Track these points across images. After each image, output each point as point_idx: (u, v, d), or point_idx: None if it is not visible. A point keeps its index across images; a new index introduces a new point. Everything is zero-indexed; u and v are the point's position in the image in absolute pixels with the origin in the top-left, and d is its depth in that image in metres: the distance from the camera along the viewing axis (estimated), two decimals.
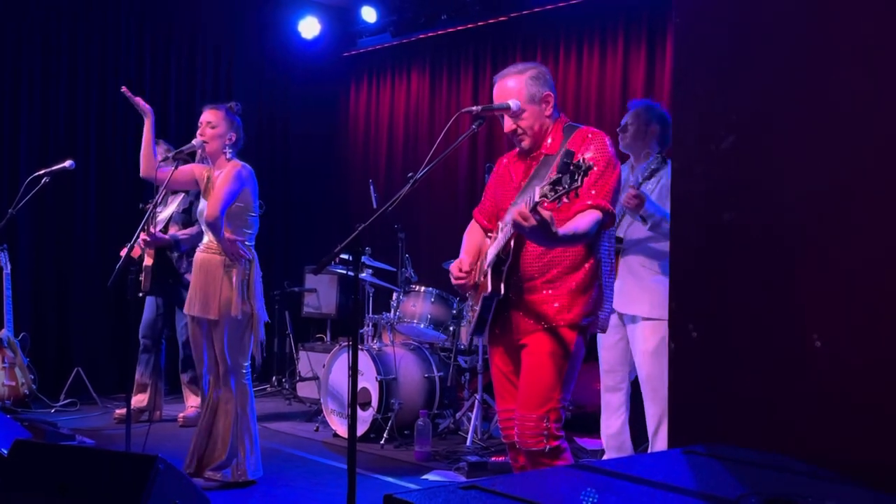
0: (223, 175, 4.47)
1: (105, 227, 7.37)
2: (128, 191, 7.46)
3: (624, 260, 4.35)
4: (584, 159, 2.63)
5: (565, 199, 2.70)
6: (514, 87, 3.25)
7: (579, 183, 2.62)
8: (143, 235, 5.72)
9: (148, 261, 6.03)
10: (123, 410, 6.18)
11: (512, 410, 3.26)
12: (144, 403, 6.26)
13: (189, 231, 5.96)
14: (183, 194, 6.12)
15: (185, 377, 6.37)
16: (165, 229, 6.07)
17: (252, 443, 4.60)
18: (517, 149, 3.41)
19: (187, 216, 6.06)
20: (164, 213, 6.12)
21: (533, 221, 2.76)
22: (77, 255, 7.26)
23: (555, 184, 2.65)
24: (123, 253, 6.10)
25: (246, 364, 4.56)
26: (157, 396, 6.34)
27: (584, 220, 3.02)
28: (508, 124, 3.26)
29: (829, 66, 2.06)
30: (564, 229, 2.94)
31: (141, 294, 6.18)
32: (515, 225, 2.85)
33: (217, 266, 4.47)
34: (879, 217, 1.95)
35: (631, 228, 4.32)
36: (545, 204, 2.73)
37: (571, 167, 2.61)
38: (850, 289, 1.98)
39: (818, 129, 2.08)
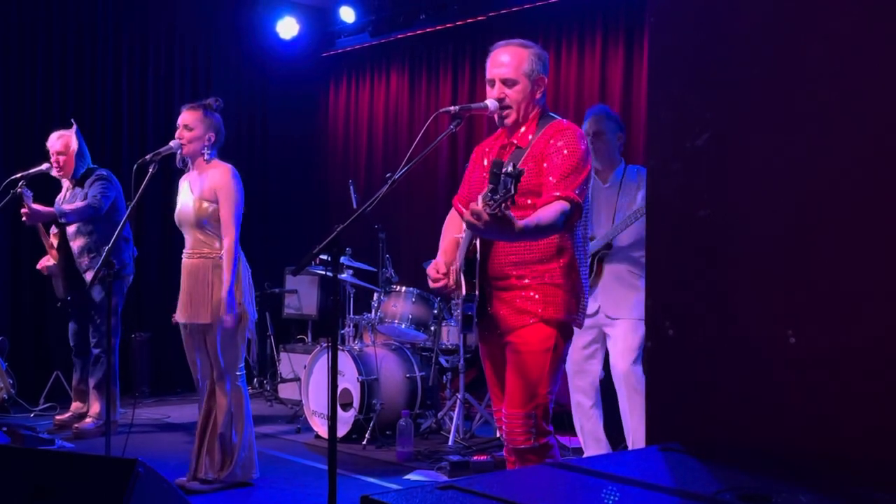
0: (220, 184, 4.43)
1: None
2: None
3: (610, 267, 4.35)
4: (513, 166, 2.61)
5: (504, 207, 2.70)
6: (513, 57, 3.20)
7: (513, 190, 2.61)
8: (24, 213, 5.58)
9: (49, 260, 5.86)
10: (63, 416, 6.12)
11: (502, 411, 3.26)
12: (84, 410, 6.07)
13: (77, 205, 5.71)
14: (79, 188, 5.86)
15: (92, 381, 5.96)
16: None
17: (249, 445, 4.59)
18: (494, 135, 3.41)
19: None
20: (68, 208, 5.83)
21: (486, 218, 2.69)
22: None
23: (491, 193, 2.66)
24: (41, 263, 6.02)
25: (240, 365, 4.54)
26: (111, 402, 6.15)
27: (547, 211, 2.99)
28: (497, 91, 3.21)
29: (802, 63, 2.08)
30: (527, 221, 2.90)
31: (59, 304, 6.08)
32: (469, 226, 2.82)
33: (205, 270, 4.44)
34: (853, 213, 1.97)
35: (620, 235, 4.33)
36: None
37: (502, 177, 2.61)
38: (825, 284, 2.00)
39: (792, 124, 2.09)
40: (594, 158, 4.42)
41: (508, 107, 3.21)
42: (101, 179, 5.85)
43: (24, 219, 5.63)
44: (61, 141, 5.83)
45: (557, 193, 3.03)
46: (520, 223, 2.82)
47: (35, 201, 5.63)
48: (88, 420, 5.90)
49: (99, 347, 5.84)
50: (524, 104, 3.21)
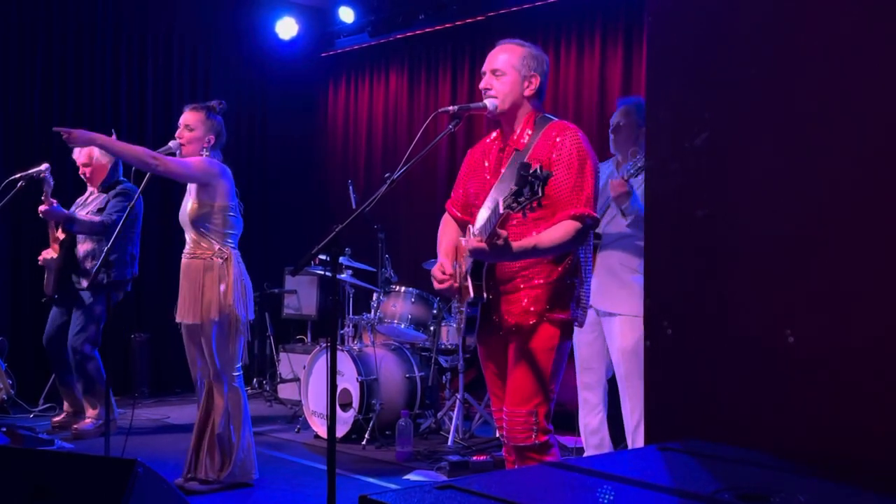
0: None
1: None
2: None
3: (602, 257, 4.34)
4: (540, 168, 2.63)
5: (529, 209, 2.71)
6: (507, 52, 3.23)
7: (540, 193, 2.62)
8: (41, 207, 5.57)
9: (51, 252, 5.82)
10: (59, 418, 6.10)
11: (503, 409, 3.26)
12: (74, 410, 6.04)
13: (90, 217, 5.71)
14: (103, 194, 5.89)
15: (79, 388, 5.89)
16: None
17: (248, 445, 4.59)
18: (487, 137, 3.41)
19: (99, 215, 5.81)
20: (84, 212, 5.86)
21: (486, 248, 2.85)
22: None
23: (516, 195, 2.67)
24: (42, 255, 5.99)
25: (237, 366, 4.54)
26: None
27: (555, 233, 3.04)
28: (485, 81, 3.23)
29: (802, 63, 2.08)
30: (524, 241, 3.00)
31: (45, 300, 6.04)
32: (473, 253, 2.94)
33: (197, 270, 4.44)
34: (853, 213, 1.97)
35: (610, 225, 4.33)
36: (509, 214, 2.75)
37: (530, 178, 2.62)
38: (824, 284, 2.00)
39: (792, 124, 2.09)
40: (614, 149, 4.44)
41: (493, 96, 3.22)
42: (123, 195, 5.81)
43: (40, 210, 5.62)
44: (84, 152, 5.82)
45: (572, 212, 3.06)
46: (514, 244, 2.91)
47: (33, 200, 5.62)
48: (88, 420, 5.88)
49: (77, 354, 5.79)
50: (511, 97, 3.21)
